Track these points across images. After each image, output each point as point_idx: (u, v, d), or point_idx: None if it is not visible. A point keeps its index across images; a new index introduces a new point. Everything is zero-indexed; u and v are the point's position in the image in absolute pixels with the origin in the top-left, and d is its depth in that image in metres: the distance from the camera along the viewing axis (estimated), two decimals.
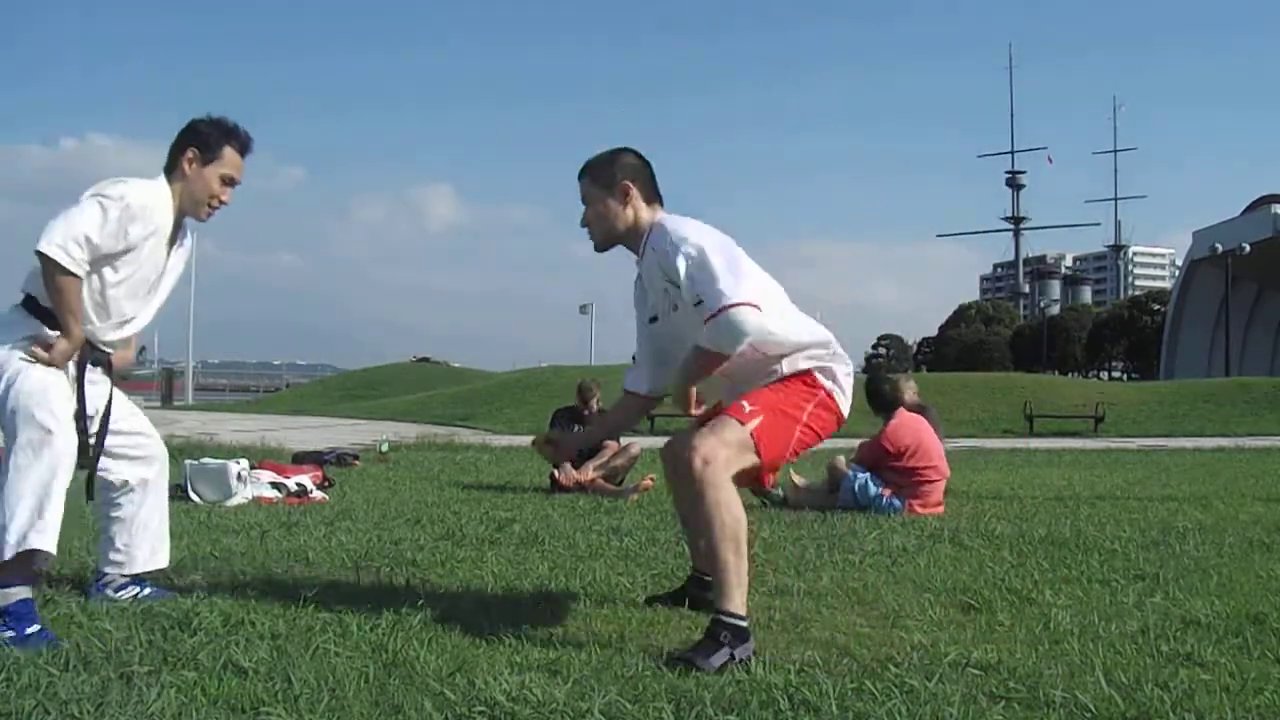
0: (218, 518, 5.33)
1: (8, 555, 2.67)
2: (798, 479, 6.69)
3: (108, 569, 3.27)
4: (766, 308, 2.80)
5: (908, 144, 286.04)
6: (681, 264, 2.81)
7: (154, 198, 3.01)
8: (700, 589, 3.20)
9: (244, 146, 3.16)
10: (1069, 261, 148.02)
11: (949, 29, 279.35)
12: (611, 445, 7.37)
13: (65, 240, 2.79)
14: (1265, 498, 7.27)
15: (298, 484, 6.57)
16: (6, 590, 2.69)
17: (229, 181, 3.14)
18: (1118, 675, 2.48)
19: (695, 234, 2.86)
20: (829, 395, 2.97)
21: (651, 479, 7.32)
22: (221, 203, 3.15)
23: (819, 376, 2.97)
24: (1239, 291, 52.92)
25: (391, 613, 3.05)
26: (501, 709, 2.21)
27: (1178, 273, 79.69)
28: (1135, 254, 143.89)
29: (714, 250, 2.81)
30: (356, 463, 9.28)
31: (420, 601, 3.25)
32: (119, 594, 3.22)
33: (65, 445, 2.79)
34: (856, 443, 6.91)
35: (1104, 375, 79.18)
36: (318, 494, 6.56)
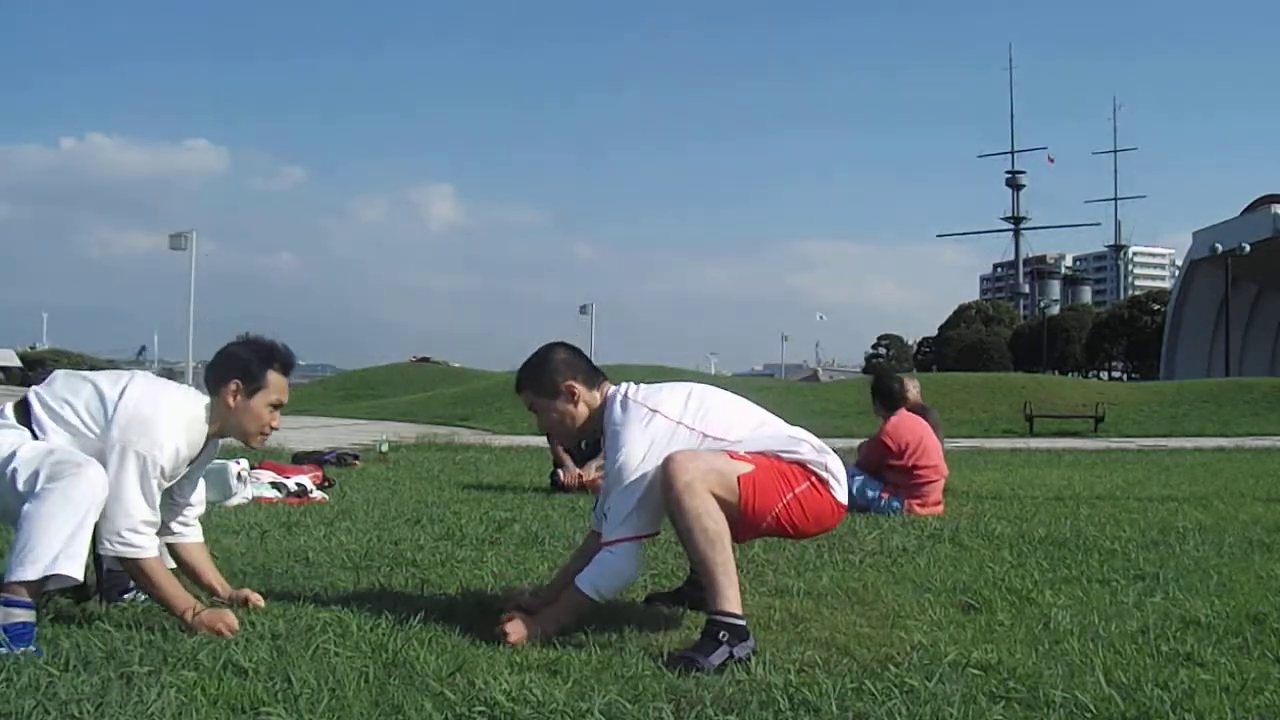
0: (218, 518, 5.33)
1: (34, 576, 2.62)
2: None
3: (117, 568, 3.25)
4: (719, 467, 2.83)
5: (908, 144, 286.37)
6: (607, 466, 2.94)
7: (184, 439, 2.92)
8: (699, 589, 3.19)
9: (286, 367, 3.08)
10: (1069, 261, 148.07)
11: (949, 29, 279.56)
12: None
13: (128, 533, 2.78)
14: (1265, 498, 7.26)
15: (298, 484, 6.57)
16: (10, 609, 2.63)
17: (277, 407, 3.06)
18: (1118, 675, 2.48)
19: (629, 437, 2.90)
20: (822, 482, 2.97)
21: None
22: (273, 428, 3.08)
23: (812, 467, 2.97)
24: (1239, 291, 52.95)
25: (391, 613, 3.05)
26: (501, 709, 2.21)
27: (1178, 273, 79.74)
28: (1135, 254, 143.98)
29: (632, 466, 2.85)
30: (357, 463, 9.28)
31: (420, 601, 3.25)
32: (124, 596, 3.22)
33: (98, 475, 2.74)
34: (856, 443, 6.91)
35: (1104, 375, 79.21)
36: (318, 494, 6.56)
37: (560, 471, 7.23)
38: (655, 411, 2.93)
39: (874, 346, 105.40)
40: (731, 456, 2.87)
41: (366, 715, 2.19)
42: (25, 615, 2.63)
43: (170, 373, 38.47)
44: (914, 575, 3.93)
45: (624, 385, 3.07)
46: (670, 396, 3.00)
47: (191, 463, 3.06)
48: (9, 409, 2.95)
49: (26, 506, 2.67)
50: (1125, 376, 75.36)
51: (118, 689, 2.26)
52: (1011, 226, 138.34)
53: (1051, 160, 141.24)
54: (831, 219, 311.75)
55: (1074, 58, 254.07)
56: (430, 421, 21.16)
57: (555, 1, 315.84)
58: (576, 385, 3.04)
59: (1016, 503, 6.78)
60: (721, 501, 2.78)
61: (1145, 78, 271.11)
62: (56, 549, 2.63)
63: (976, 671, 2.52)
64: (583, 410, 3.05)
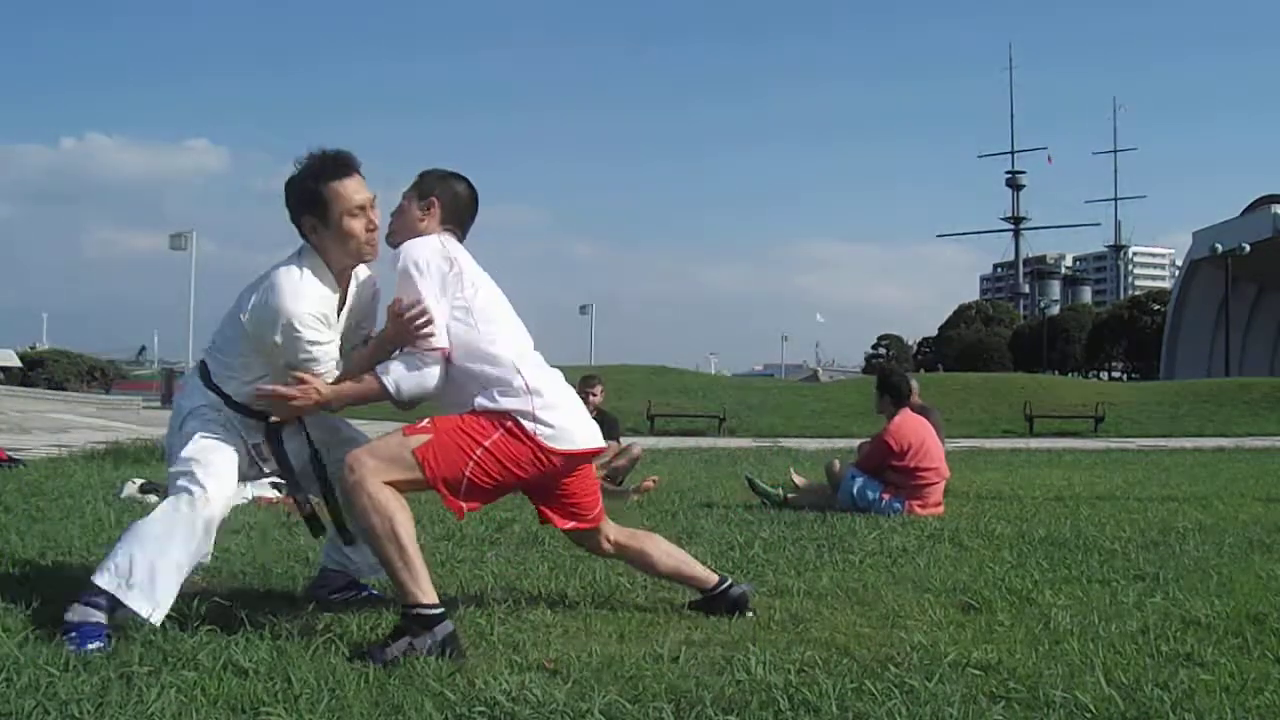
0: None
1: (108, 589, 2.68)
2: (798, 479, 6.69)
3: (332, 568, 3.35)
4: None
5: (908, 144, 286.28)
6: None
7: (312, 299, 2.85)
8: (712, 601, 3.23)
9: (345, 169, 2.89)
10: (1069, 261, 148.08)
11: (949, 29, 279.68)
12: (613, 446, 7.37)
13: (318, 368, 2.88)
14: (1265, 498, 7.27)
15: None
16: (88, 608, 2.69)
17: (360, 211, 2.88)
18: (1118, 675, 2.48)
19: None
20: (519, 428, 2.88)
21: (653, 480, 7.33)
22: (370, 230, 2.91)
23: (507, 416, 2.88)
24: (1239, 291, 52.97)
25: (391, 613, 3.05)
26: (501, 709, 2.21)
27: (1178, 273, 79.76)
28: (1135, 254, 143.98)
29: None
30: None
31: None
32: (334, 596, 3.28)
33: (204, 519, 2.79)
34: (856, 443, 6.91)
35: (1104, 375, 79.20)
36: None
37: None
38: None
39: (874, 346, 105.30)
40: (407, 432, 2.84)
41: (366, 715, 2.19)
42: (99, 617, 2.69)
43: (170, 373, 38.52)
44: (914, 575, 3.93)
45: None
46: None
47: (343, 307, 3.00)
48: (195, 371, 3.08)
49: (145, 532, 2.75)
50: (1125, 376, 75.37)
51: (118, 689, 2.27)
52: (1011, 226, 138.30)
53: (1051, 160, 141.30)
54: (832, 219, 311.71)
55: (1074, 58, 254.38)
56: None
57: (557, 4, 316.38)
58: (436, 208, 3.04)
59: (1016, 503, 6.78)
60: (408, 483, 2.79)
61: (1145, 77, 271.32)
62: (137, 579, 2.69)
63: (976, 671, 2.53)
64: (421, 227, 3.00)
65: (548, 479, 3.02)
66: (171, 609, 2.99)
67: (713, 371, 54.95)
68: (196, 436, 2.91)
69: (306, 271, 2.87)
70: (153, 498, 5.97)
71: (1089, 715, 2.23)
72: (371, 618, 3.00)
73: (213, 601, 3.09)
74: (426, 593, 2.72)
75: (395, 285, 2.90)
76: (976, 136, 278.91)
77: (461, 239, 3.11)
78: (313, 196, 2.86)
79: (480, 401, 2.89)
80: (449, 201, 3.08)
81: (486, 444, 2.85)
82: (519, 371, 2.92)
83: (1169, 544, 4.77)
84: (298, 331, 2.81)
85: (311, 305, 2.84)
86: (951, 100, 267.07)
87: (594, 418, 3.21)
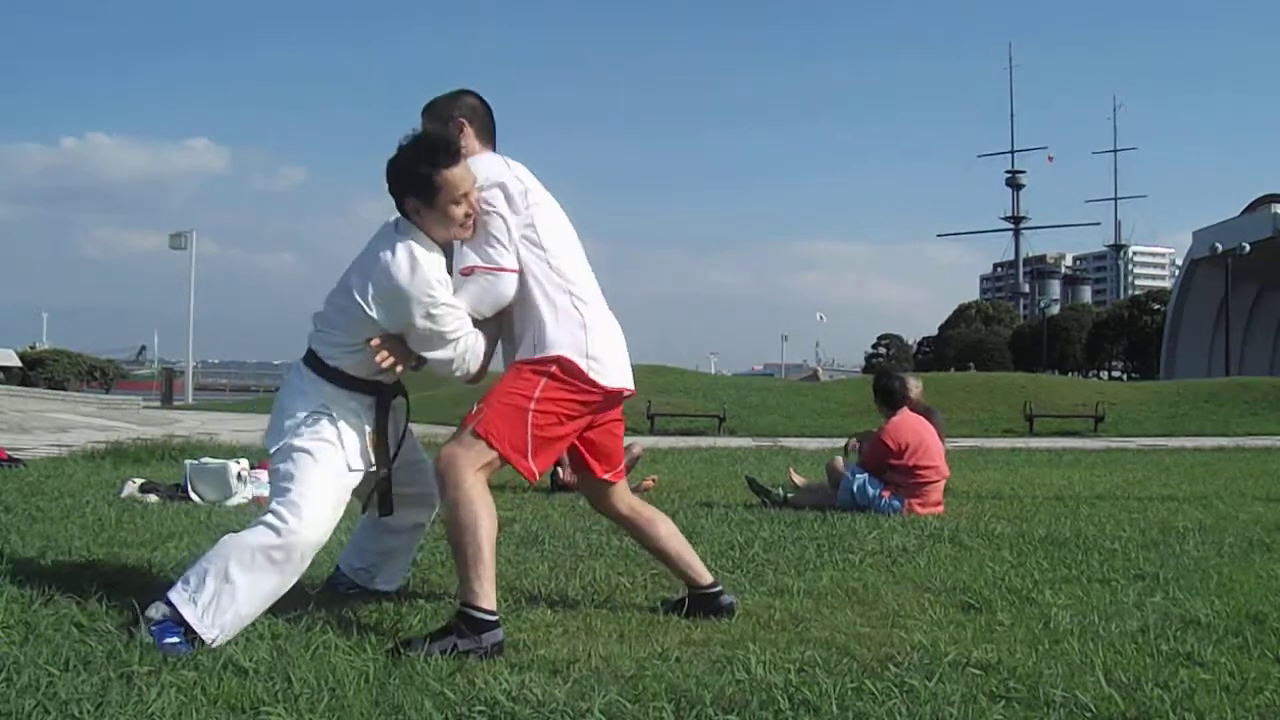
0: (218, 517, 5.33)
1: (183, 610, 2.68)
2: (798, 478, 6.69)
3: (345, 570, 3.41)
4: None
5: (908, 144, 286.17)
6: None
7: (434, 270, 2.86)
8: (701, 600, 3.22)
9: (451, 158, 2.86)
10: (1069, 261, 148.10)
11: (949, 28, 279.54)
12: None
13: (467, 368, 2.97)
14: (1265, 498, 7.26)
15: None
16: (166, 607, 2.71)
17: (464, 198, 2.87)
18: (1118, 675, 2.48)
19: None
20: (569, 364, 2.90)
21: (653, 480, 7.33)
22: (469, 214, 2.89)
23: (565, 358, 2.91)
24: (1239, 291, 52.90)
25: (391, 613, 3.05)
26: (501, 709, 2.21)
27: (1178, 273, 79.68)
28: (1135, 254, 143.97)
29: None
30: None
31: (420, 601, 3.25)
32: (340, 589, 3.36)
33: (292, 566, 2.79)
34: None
35: (1104, 375, 79.17)
36: None
37: (560, 470, 7.23)
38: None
39: (874, 346, 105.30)
40: (466, 421, 2.86)
41: (366, 715, 2.19)
42: (166, 611, 2.70)
43: (170, 372, 38.52)
44: (914, 575, 3.93)
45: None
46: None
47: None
48: (303, 363, 3.04)
49: (228, 551, 2.74)
50: (1125, 376, 75.32)
51: (118, 689, 2.27)
52: (1011, 226, 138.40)
53: (1051, 159, 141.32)
54: (832, 219, 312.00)
55: (1075, 57, 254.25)
56: (431, 421, 21.10)
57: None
58: (468, 127, 3.06)
59: (1016, 502, 6.78)
60: (489, 466, 2.82)
61: (1146, 77, 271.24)
62: (216, 615, 2.68)
63: (976, 671, 2.53)
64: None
65: (591, 420, 3.03)
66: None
67: (713, 371, 54.92)
68: (306, 462, 2.87)
69: (414, 244, 2.88)
70: (152, 498, 5.98)
71: (1089, 715, 2.24)
72: (372, 618, 2.99)
73: None
74: (487, 596, 2.72)
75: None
76: (977, 136, 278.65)
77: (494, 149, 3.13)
78: (423, 181, 2.86)
79: (524, 349, 2.94)
80: (472, 115, 3.09)
81: (537, 394, 2.88)
82: (576, 301, 2.96)
83: (1169, 544, 4.77)
84: (428, 298, 2.83)
85: (430, 272, 2.85)
86: (952, 100, 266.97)
87: None
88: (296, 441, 2.89)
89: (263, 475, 6.56)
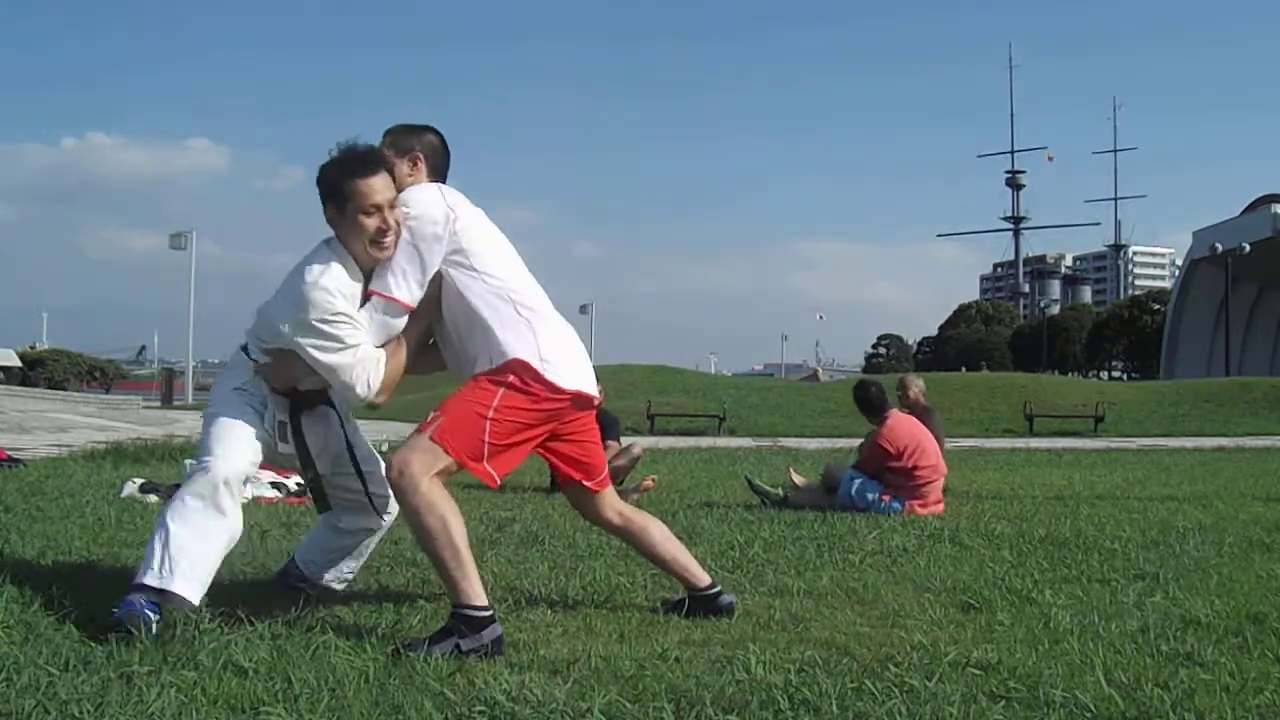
0: None
1: (152, 583, 2.78)
2: (798, 479, 6.69)
3: (299, 563, 3.50)
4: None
5: (908, 144, 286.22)
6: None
7: (340, 282, 2.90)
8: (701, 600, 3.22)
9: (370, 168, 2.89)
10: (1069, 261, 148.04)
11: (949, 28, 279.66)
12: (613, 445, 7.37)
13: (365, 381, 2.94)
14: (1265, 498, 7.26)
15: (298, 484, 6.56)
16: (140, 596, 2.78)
17: (375, 210, 2.86)
18: (1118, 675, 2.48)
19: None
20: (525, 369, 2.89)
21: (653, 480, 7.33)
22: (382, 230, 2.88)
23: (522, 362, 2.90)
24: (1239, 291, 52.93)
25: (391, 613, 3.05)
26: (501, 709, 2.21)
27: (1178, 272, 79.71)
28: (1135, 254, 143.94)
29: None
30: None
31: (420, 601, 3.26)
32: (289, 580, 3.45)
33: (236, 521, 2.92)
34: (857, 443, 6.91)
35: (1104, 375, 79.17)
36: None
37: None
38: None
39: (874, 346, 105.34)
40: (421, 428, 2.85)
41: (366, 715, 2.19)
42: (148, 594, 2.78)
43: (170, 372, 38.53)
44: (914, 575, 3.93)
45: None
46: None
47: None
48: (240, 349, 3.19)
49: (168, 516, 2.87)
50: (1125, 376, 75.31)
51: (118, 689, 2.26)
52: (1011, 226, 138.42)
53: (1051, 159, 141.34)
54: (831, 219, 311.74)
55: (1074, 57, 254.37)
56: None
57: (554, 1, 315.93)
58: (422, 163, 3.09)
59: (1016, 503, 6.78)
60: (442, 471, 2.81)
61: (1146, 77, 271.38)
62: (172, 566, 2.80)
63: (976, 671, 2.53)
64: (409, 183, 3.03)
65: (558, 426, 3.03)
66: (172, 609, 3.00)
67: (713, 371, 54.92)
68: (218, 419, 3.03)
69: (333, 257, 2.94)
70: (152, 498, 5.97)
71: (1089, 715, 2.23)
72: (372, 618, 2.99)
73: (213, 601, 3.09)
74: (477, 594, 2.73)
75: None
76: (977, 136, 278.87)
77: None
78: (335, 187, 2.92)
79: (480, 365, 2.93)
80: (430, 153, 3.13)
81: (495, 404, 2.86)
82: (521, 309, 2.96)
83: (1169, 543, 4.77)
84: (326, 302, 2.86)
85: (332, 281, 2.88)
86: (952, 99, 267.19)
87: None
88: (217, 405, 3.08)
89: (263, 475, 6.56)
